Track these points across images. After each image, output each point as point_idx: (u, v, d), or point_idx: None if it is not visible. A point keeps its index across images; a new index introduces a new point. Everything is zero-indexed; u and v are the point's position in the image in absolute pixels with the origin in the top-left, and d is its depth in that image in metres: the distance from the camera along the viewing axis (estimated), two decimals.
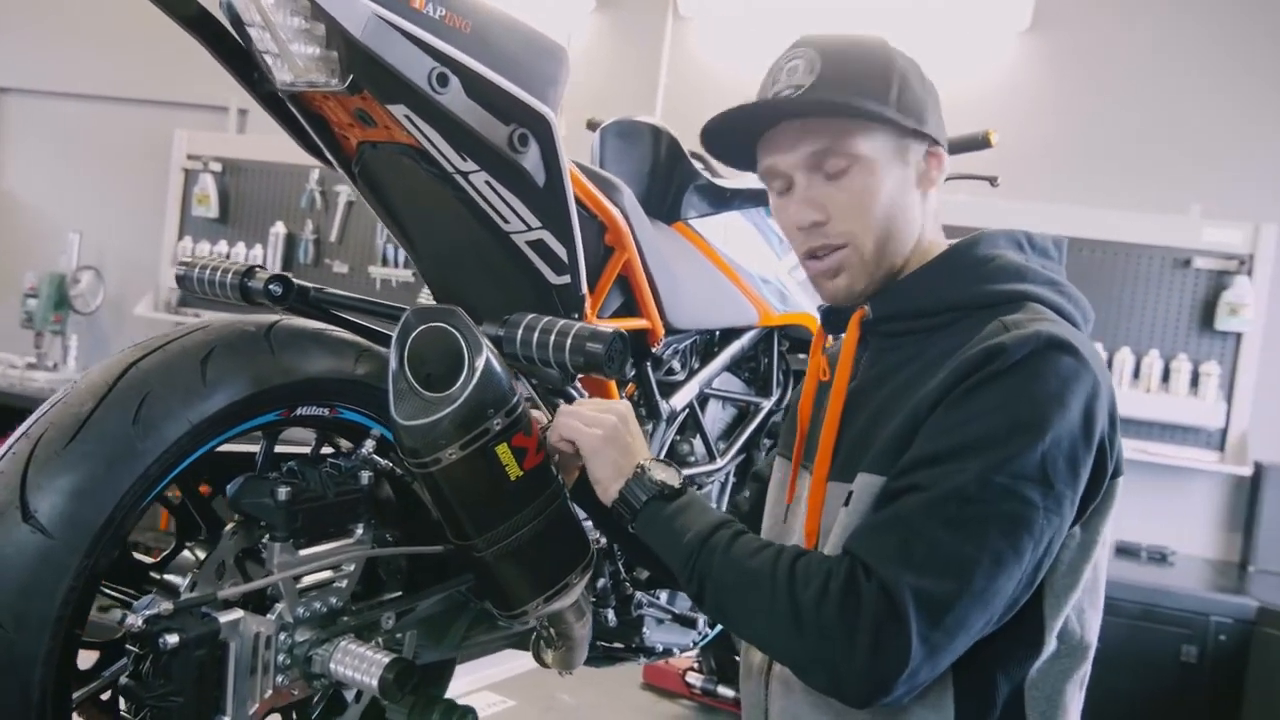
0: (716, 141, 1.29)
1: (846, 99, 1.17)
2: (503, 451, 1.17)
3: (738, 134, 1.27)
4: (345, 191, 4.76)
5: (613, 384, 1.62)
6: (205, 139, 4.96)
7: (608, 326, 1.24)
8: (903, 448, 1.10)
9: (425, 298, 4.86)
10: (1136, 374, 3.94)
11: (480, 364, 1.14)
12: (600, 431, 1.23)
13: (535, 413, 1.35)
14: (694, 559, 1.17)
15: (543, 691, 2.39)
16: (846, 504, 1.15)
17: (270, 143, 4.91)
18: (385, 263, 4.72)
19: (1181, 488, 3.95)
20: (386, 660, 1.15)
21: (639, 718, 2.41)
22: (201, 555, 1.23)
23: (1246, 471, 3.81)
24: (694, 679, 2.50)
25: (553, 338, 1.25)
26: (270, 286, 1.44)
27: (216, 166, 4.94)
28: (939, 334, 1.18)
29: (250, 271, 1.47)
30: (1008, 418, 1.04)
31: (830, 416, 1.22)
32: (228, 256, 4.90)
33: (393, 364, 1.14)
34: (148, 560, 1.25)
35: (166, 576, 1.22)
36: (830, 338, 1.34)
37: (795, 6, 4.31)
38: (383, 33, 1.14)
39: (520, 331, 1.28)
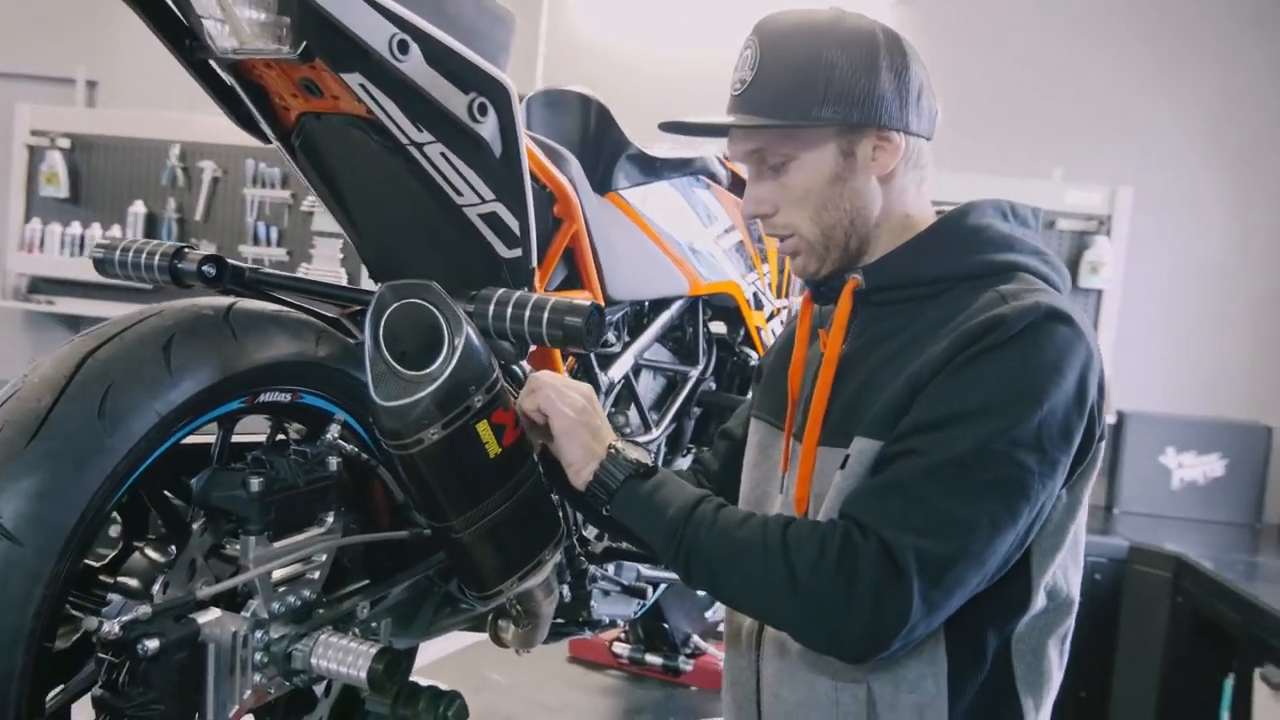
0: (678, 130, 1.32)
1: (771, 104, 1.20)
2: (483, 429, 1.14)
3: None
4: (210, 167, 4.54)
5: (558, 358, 1.60)
6: (51, 113, 4.64)
7: (584, 299, 1.22)
8: (900, 414, 1.12)
9: (302, 273, 4.68)
10: None
11: (460, 340, 1.10)
12: (571, 412, 1.22)
13: None
14: (679, 534, 1.17)
15: (471, 671, 2.36)
16: (843, 467, 1.16)
17: (124, 116, 4.63)
18: (257, 241, 4.52)
19: None
20: (374, 651, 1.11)
21: (571, 691, 2.41)
22: (154, 555, 1.16)
23: (1109, 420, 4.05)
24: (621, 649, 2.52)
25: (528, 312, 1.23)
26: (204, 268, 1.37)
27: (65, 143, 4.62)
28: (931, 302, 1.20)
29: (179, 253, 1.39)
30: (1007, 387, 1.08)
31: (821, 385, 1.23)
32: (81, 239, 4.61)
33: (368, 345, 1.10)
34: (94, 564, 1.17)
35: (122, 580, 1.14)
36: (816, 306, 1.35)
37: None
38: None
39: (492, 306, 1.25)
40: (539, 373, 1.27)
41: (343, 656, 1.12)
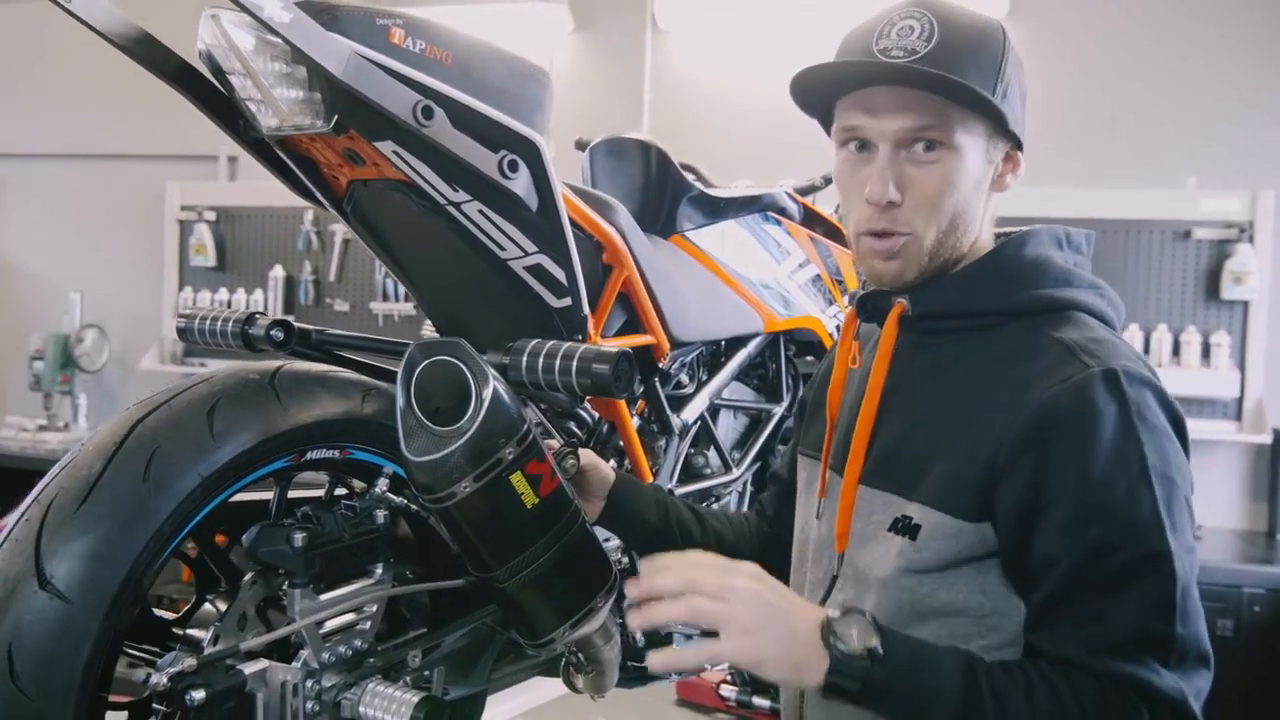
0: (803, 85, 1.18)
1: (969, 81, 1.09)
2: (517, 480, 1.16)
3: (827, 84, 1.18)
4: (341, 230, 4.77)
5: (623, 403, 1.62)
6: (198, 189, 4.98)
7: (612, 346, 1.23)
8: (981, 493, 1.07)
9: (429, 330, 4.87)
10: (1146, 349, 3.92)
11: (487, 394, 1.13)
12: (752, 625, 0.97)
13: (548, 441, 1.35)
14: None
15: (575, 715, 2.38)
16: (912, 537, 1.10)
17: (262, 188, 4.91)
18: (386, 298, 4.71)
19: (1202, 461, 3.92)
20: (416, 699, 1.14)
21: None
22: (223, 608, 1.22)
23: (1266, 439, 3.78)
24: (728, 691, 2.48)
25: (558, 362, 1.24)
26: (272, 332, 1.44)
27: (211, 215, 4.95)
28: (985, 335, 1.15)
29: (250, 319, 1.47)
30: (1142, 467, 1.03)
31: (864, 417, 1.19)
32: (229, 304, 4.92)
33: (400, 401, 1.13)
34: (169, 616, 1.24)
35: (190, 631, 1.21)
36: (860, 323, 1.30)
37: (769, 10, 4.32)
38: (364, 71, 1.14)
39: (525, 358, 1.27)
40: (682, 586, 1.01)
41: (387, 704, 1.15)
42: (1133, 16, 4.04)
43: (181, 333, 1.53)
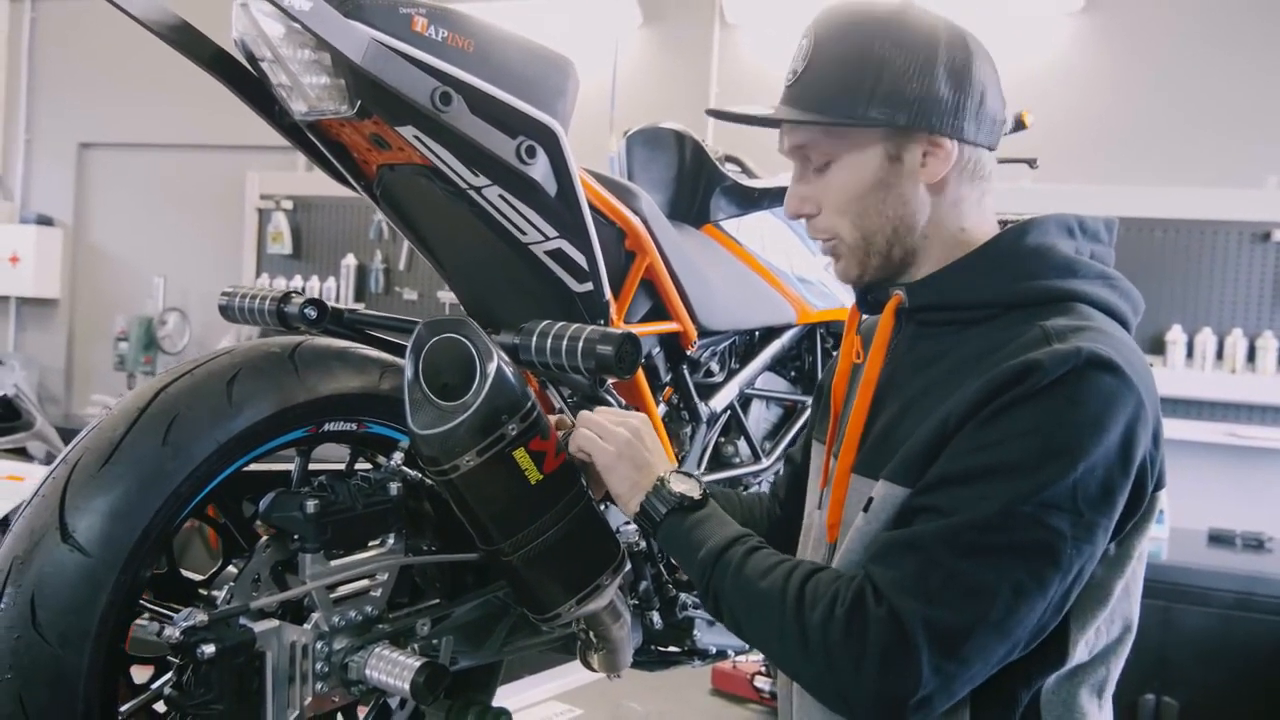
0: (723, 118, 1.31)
1: (818, 99, 1.16)
2: (520, 456, 1.19)
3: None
4: None
5: (645, 388, 1.64)
6: (276, 179, 5.14)
7: (618, 329, 1.26)
8: (928, 461, 1.07)
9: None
10: (1220, 354, 3.81)
11: (491, 370, 1.16)
12: (612, 447, 1.23)
13: (560, 416, 1.38)
14: (708, 575, 1.16)
15: (610, 699, 2.41)
16: (866, 509, 1.12)
17: None
18: None
19: (1276, 470, 3.80)
20: (417, 664, 1.18)
21: None
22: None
23: None
24: (762, 683, 2.49)
25: (564, 343, 1.27)
26: (305, 311, 1.50)
27: (288, 204, 5.11)
28: (980, 327, 1.14)
29: (286, 297, 1.53)
30: (1040, 442, 0.99)
31: (858, 408, 1.19)
32: (302, 291, 5.08)
33: (408, 374, 1.17)
34: (197, 577, 1.30)
35: (212, 592, 1.26)
36: (864, 316, 1.31)
37: None
38: (383, 57, 1.18)
39: (534, 339, 1.30)
40: (584, 412, 1.30)
41: (390, 668, 1.19)
42: (1210, 13, 3.92)
43: (223, 310, 1.60)
